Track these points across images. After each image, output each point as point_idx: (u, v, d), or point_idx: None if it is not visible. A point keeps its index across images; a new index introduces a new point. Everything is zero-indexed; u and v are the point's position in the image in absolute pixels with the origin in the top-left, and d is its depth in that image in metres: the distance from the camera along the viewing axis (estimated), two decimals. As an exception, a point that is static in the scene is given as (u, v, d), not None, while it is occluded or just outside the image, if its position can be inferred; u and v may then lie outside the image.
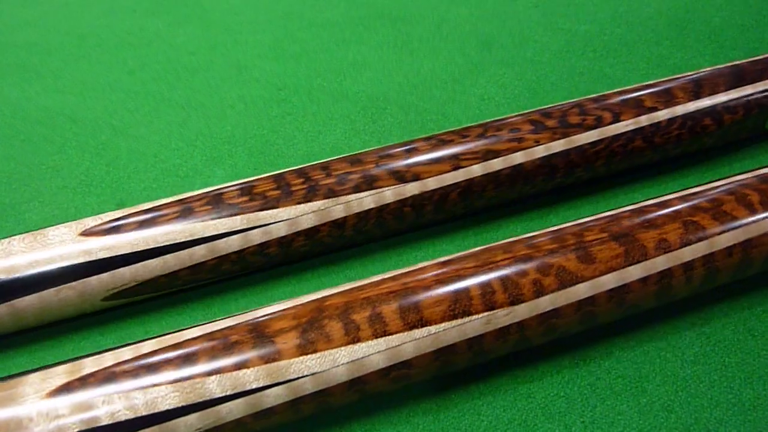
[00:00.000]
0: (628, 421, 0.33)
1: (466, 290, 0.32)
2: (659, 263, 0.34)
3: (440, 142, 0.41)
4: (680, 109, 0.44)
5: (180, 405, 0.29)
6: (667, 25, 0.62)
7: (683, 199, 0.36)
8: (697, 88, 0.44)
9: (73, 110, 0.55)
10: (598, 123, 0.42)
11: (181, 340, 0.31)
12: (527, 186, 0.42)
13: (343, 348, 0.31)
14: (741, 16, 0.63)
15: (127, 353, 0.30)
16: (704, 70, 0.46)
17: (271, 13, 0.69)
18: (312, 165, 0.40)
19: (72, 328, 0.39)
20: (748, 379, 0.35)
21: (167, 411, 0.29)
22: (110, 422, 0.28)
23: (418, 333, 0.31)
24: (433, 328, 0.31)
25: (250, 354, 0.30)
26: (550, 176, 0.42)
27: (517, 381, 0.35)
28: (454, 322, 0.32)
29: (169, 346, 0.30)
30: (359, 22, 0.66)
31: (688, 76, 0.46)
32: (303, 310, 0.32)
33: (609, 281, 0.33)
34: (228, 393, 0.29)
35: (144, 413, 0.29)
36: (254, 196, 0.38)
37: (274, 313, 0.32)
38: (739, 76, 0.45)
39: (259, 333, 0.31)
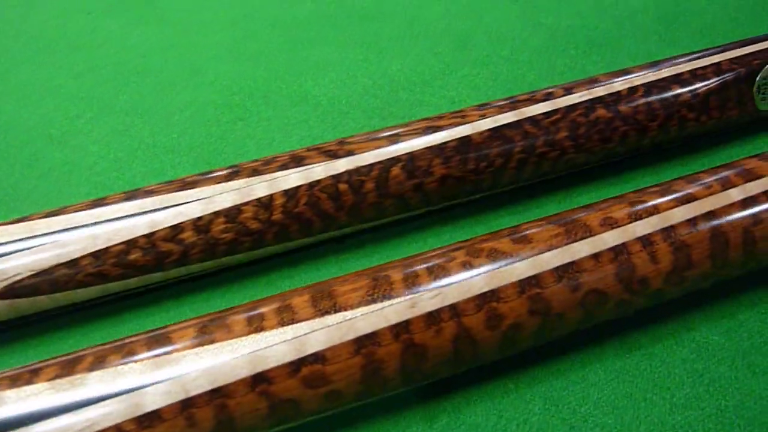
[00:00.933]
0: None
1: (387, 276, 0.28)
2: (608, 239, 0.29)
3: (377, 134, 0.38)
4: (638, 80, 0.40)
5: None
6: (656, 20, 0.57)
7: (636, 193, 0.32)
8: (654, 66, 0.42)
9: (9, 118, 0.50)
10: (549, 97, 0.39)
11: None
12: (483, 162, 0.37)
13: (243, 338, 0.26)
14: (735, 10, 0.57)
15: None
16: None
17: (233, 12, 0.63)
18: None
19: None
20: (748, 427, 0.29)
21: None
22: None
23: (330, 319, 0.27)
24: (348, 314, 0.27)
25: (141, 353, 0.26)
26: (506, 151, 0.37)
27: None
28: (372, 306, 0.27)
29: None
30: (326, 21, 0.60)
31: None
32: (207, 317, 0.28)
33: (552, 259, 0.28)
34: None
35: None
36: (173, 182, 0.35)
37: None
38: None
39: (157, 337, 0.27)
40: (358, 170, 0.35)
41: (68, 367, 0.26)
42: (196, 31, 0.60)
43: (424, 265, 0.29)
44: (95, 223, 0.33)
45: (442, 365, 0.28)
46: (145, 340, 0.27)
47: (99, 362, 0.26)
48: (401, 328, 0.27)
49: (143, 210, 0.33)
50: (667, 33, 0.55)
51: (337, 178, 0.35)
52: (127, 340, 0.27)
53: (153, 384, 0.25)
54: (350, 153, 0.35)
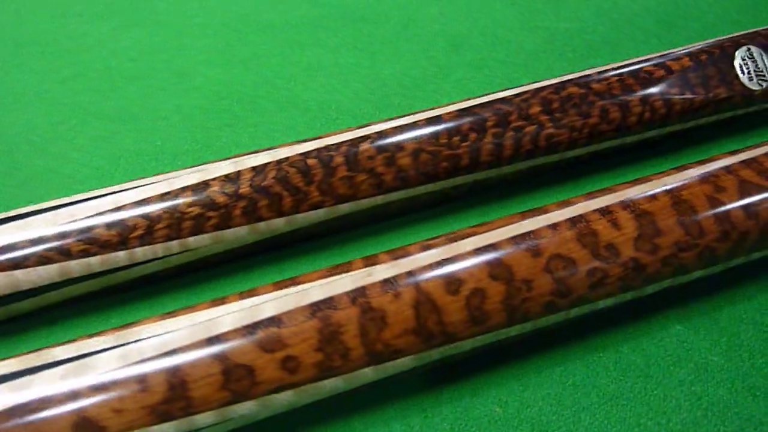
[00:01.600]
0: None
1: (348, 264, 0.29)
2: (565, 213, 0.30)
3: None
4: (611, 70, 0.41)
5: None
6: (656, 23, 0.55)
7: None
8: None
9: (-8, 124, 0.48)
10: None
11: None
12: (455, 136, 0.36)
13: (202, 311, 0.28)
14: (737, 11, 0.55)
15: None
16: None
17: (226, 16, 0.61)
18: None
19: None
20: (749, 457, 0.27)
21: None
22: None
23: (288, 291, 0.27)
24: (306, 286, 0.28)
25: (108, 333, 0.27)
26: (477, 124, 0.37)
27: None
28: (329, 279, 0.28)
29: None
30: (319, 23, 0.59)
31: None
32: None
33: (509, 230, 0.29)
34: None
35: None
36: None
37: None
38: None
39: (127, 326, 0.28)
40: (326, 147, 0.35)
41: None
42: (188, 35, 0.59)
43: (385, 253, 0.29)
44: (60, 206, 0.33)
45: (409, 336, 0.27)
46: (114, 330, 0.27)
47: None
48: (358, 293, 0.27)
49: (110, 191, 0.33)
50: (667, 36, 0.53)
51: (305, 155, 0.35)
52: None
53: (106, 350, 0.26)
54: (318, 138, 0.36)
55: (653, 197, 0.30)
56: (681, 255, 0.29)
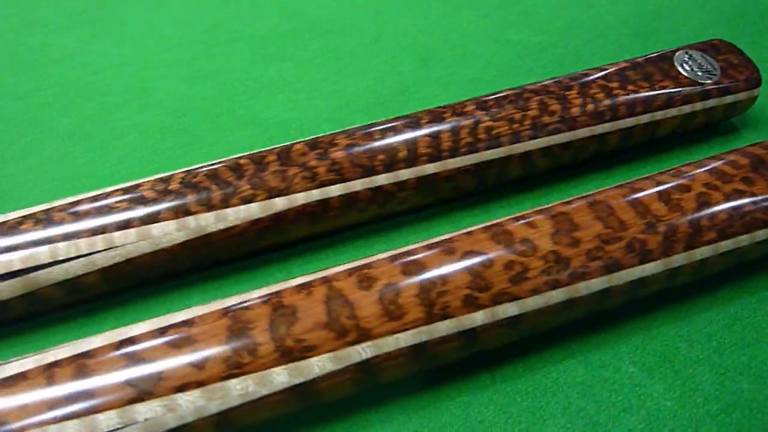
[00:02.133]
0: None
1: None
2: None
3: None
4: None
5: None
6: (631, 36, 0.53)
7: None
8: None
9: (-57, 143, 0.47)
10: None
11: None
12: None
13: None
14: (714, 25, 0.53)
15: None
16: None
17: (195, 27, 0.60)
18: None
19: None
20: None
21: None
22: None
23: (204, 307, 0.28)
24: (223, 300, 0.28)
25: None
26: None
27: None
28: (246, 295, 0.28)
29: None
30: (288, 36, 0.57)
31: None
32: None
33: (425, 243, 0.30)
34: None
35: None
36: None
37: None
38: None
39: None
40: (259, 152, 0.35)
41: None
42: (153, 47, 0.57)
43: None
44: None
45: (321, 331, 0.26)
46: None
47: None
48: (272, 295, 0.27)
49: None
50: (641, 50, 0.51)
51: (236, 159, 0.35)
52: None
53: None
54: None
55: (568, 202, 0.31)
56: (607, 248, 0.28)
